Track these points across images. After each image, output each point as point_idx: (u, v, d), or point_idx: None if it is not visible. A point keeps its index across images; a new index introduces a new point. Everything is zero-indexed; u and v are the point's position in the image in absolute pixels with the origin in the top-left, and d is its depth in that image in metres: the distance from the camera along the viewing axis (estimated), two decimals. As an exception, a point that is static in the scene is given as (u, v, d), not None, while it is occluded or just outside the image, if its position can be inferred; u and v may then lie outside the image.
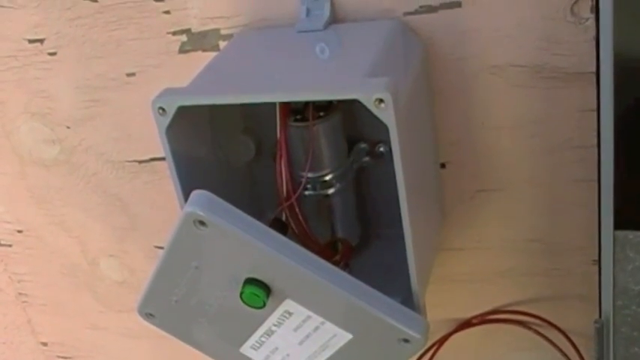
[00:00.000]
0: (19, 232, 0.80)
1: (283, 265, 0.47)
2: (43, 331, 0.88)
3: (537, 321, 0.65)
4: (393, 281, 0.53)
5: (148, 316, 0.54)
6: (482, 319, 0.66)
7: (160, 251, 0.70)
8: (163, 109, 0.49)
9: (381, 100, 0.44)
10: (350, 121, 0.57)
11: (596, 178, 0.55)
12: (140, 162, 0.70)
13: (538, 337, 0.65)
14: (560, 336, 0.64)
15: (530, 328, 0.65)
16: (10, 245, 0.82)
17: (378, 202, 0.61)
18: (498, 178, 0.60)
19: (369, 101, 0.44)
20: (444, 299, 0.66)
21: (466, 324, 0.67)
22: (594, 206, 0.53)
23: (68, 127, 0.71)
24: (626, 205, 0.43)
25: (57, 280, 0.82)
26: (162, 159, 0.52)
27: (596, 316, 0.49)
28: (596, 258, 0.59)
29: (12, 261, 0.83)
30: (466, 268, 0.65)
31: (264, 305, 0.49)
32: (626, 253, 0.43)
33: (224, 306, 0.51)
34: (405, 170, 0.47)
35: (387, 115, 0.45)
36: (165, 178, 0.67)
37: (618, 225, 0.43)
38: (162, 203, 0.72)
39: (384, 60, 0.50)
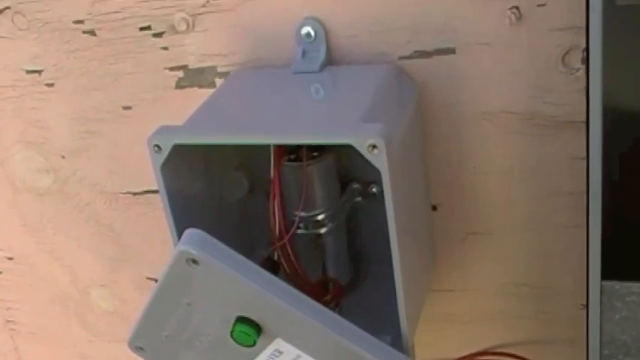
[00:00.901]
0: (10, 259, 0.80)
1: (274, 305, 0.47)
2: (30, 359, 0.87)
3: (525, 364, 0.65)
4: (383, 320, 0.53)
5: (138, 349, 0.54)
6: (471, 361, 0.67)
7: (152, 284, 0.70)
8: (159, 147, 0.49)
9: (374, 146, 0.45)
10: (343, 162, 0.57)
11: (585, 224, 0.55)
12: (134, 194, 0.70)
13: (526, 380, 0.65)
14: (548, 379, 0.65)
15: (518, 371, 0.65)
16: (0, 272, 0.82)
17: (369, 240, 0.61)
18: (489, 221, 0.60)
19: (362, 147, 0.45)
20: (433, 339, 0.66)
21: (454, 364, 0.67)
22: (583, 252, 0.54)
23: (63, 157, 0.71)
24: (614, 255, 0.43)
25: (46, 309, 0.82)
26: (156, 192, 0.52)
27: (584, 360, 0.50)
28: (585, 302, 0.60)
29: (1, 288, 0.83)
30: (455, 310, 0.65)
31: (255, 344, 0.49)
32: (612, 303, 0.43)
33: (214, 343, 0.51)
34: (397, 213, 0.47)
35: (380, 160, 0.45)
36: (159, 211, 0.67)
37: (605, 275, 0.43)
38: (154, 235, 0.72)
39: (378, 104, 0.51)
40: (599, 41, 0.39)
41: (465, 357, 0.67)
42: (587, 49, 0.50)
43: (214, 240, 0.47)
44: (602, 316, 0.44)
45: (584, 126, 0.54)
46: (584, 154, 0.54)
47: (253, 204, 0.61)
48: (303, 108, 0.54)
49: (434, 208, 0.61)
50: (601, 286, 0.43)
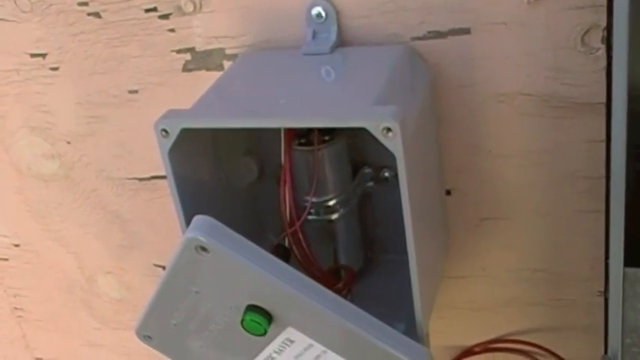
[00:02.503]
0: (16, 246, 0.80)
1: (285, 293, 0.47)
2: (37, 346, 0.87)
3: (540, 351, 0.64)
4: (397, 307, 0.53)
5: (146, 338, 0.53)
6: (485, 348, 0.66)
7: (160, 271, 0.69)
8: (166, 131, 0.48)
9: (389, 129, 0.43)
10: (354, 146, 0.56)
11: (602, 209, 0.54)
12: (140, 180, 0.70)
13: (540, 367, 0.65)
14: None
15: (533, 358, 0.65)
16: (6, 259, 0.81)
17: (382, 226, 0.60)
18: (504, 206, 0.59)
19: (376, 130, 0.44)
20: (447, 326, 0.65)
21: (469, 352, 0.66)
22: (600, 238, 0.53)
23: (68, 143, 0.70)
24: (636, 241, 0.42)
25: (53, 296, 0.81)
26: (164, 177, 0.51)
27: (601, 348, 0.49)
28: (601, 289, 0.59)
29: (8, 275, 0.82)
30: (470, 296, 0.64)
31: (265, 333, 0.48)
32: (635, 291, 0.42)
33: (224, 332, 0.50)
34: (411, 198, 0.46)
35: (394, 144, 0.44)
36: (166, 197, 0.67)
37: (628, 262, 0.42)
38: (162, 221, 0.71)
39: (391, 86, 0.50)
40: (626, 20, 0.37)
41: (478, 344, 0.66)
42: (607, 28, 0.49)
43: (224, 227, 0.47)
44: (625, 304, 0.43)
45: (602, 108, 0.53)
46: (603, 137, 0.54)
47: (263, 189, 0.60)
48: (314, 91, 0.52)
49: (448, 192, 0.60)
50: (624, 273, 0.42)
